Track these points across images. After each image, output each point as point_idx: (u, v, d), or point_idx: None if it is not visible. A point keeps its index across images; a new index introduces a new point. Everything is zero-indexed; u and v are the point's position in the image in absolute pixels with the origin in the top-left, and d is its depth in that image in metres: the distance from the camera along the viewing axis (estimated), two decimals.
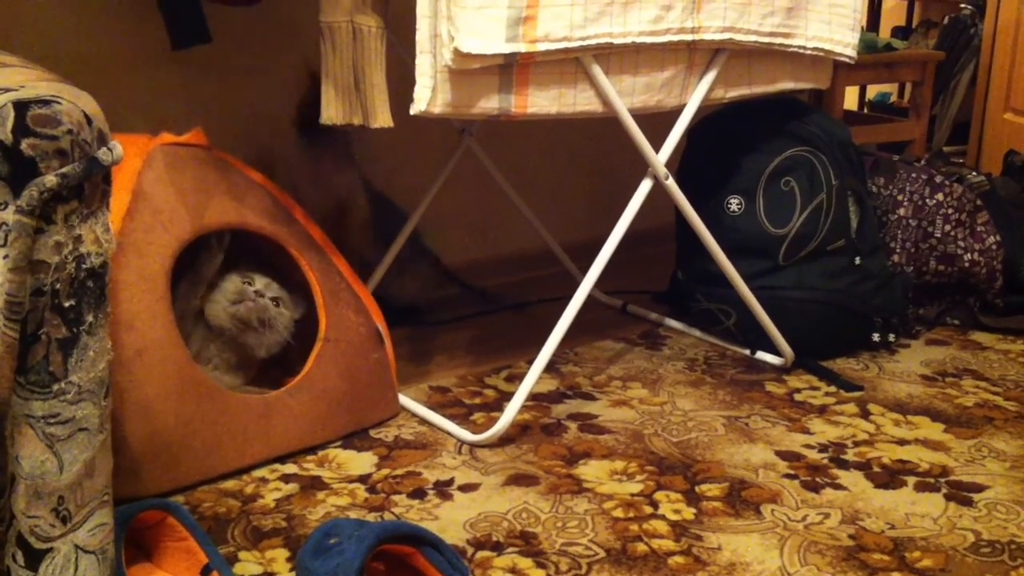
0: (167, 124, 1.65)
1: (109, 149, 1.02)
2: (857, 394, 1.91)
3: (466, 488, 1.53)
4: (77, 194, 1.00)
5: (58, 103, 0.97)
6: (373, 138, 2.09)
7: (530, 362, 1.71)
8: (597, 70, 1.66)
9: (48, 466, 1.01)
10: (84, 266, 1.02)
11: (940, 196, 2.22)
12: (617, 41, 1.64)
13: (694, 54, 1.79)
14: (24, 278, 0.96)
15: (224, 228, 1.61)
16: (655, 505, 1.49)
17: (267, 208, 1.67)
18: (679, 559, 1.36)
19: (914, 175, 2.26)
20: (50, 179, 0.95)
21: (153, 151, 1.57)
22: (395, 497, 1.50)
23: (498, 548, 1.38)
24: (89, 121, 1.00)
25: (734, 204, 2.04)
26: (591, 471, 1.59)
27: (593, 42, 1.62)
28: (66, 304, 1.00)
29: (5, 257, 0.94)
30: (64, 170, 0.97)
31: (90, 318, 1.03)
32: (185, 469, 1.49)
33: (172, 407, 1.47)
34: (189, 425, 1.49)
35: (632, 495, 1.52)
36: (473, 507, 1.47)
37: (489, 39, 1.52)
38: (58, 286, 0.99)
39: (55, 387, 1.01)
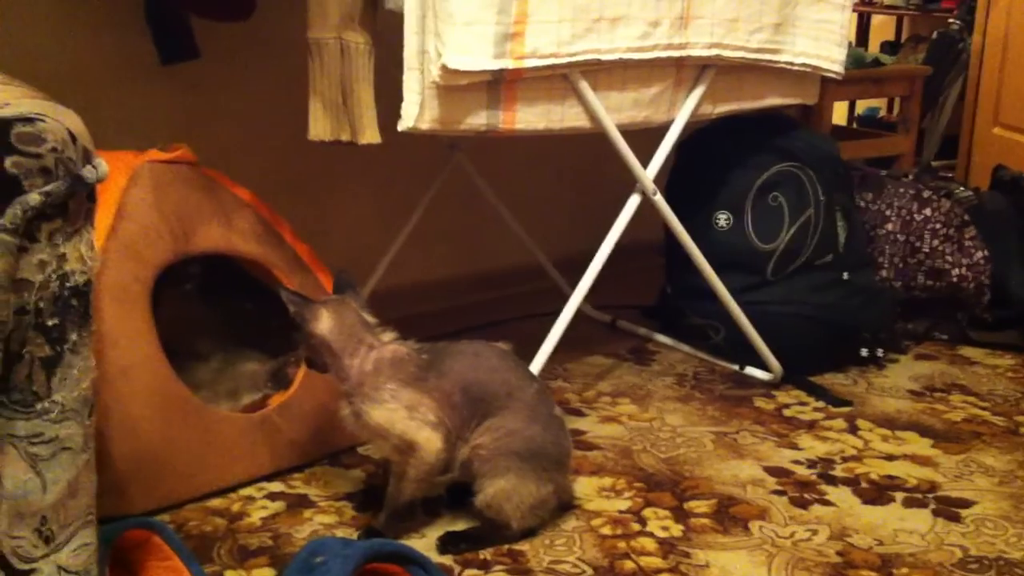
0: (155, 140, 1.65)
1: (94, 167, 1.02)
2: (845, 409, 1.91)
3: (454, 505, 1.52)
4: (61, 212, 0.99)
5: (42, 121, 0.96)
6: None
7: None
8: (584, 86, 1.66)
9: (31, 486, 1.00)
10: (68, 284, 1.01)
11: (928, 211, 2.23)
12: (604, 57, 1.65)
13: (681, 70, 1.79)
14: (7, 297, 0.95)
15: (210, 253, 1.61)
16: (643, 522, 1.49)
17: (254, 230, 1.66)
18: None
19: (902, 190, 2.27)
20: (34, 197, 0.95)
21: (139, 169, 1.56)
22: (383, 515, 1.49)
23: (486, 566, 1.37)
24: (74, 139, 0.99)
25: (722, 219, 2.04)
26: (579, 488, 1.58)
27: (580, 58, 1.62)
28: (50, 323, 1.00)
29: None
30: (48, 188, 0.96)
31: (74, 336, 1.03)
32: (170, 487, 1.48)
33: (157, 425, 1.46)
34: (174, 443, 1.48)
35: (620, 512, 1.52)
36: (461, 525, 1.47)
37: (476, 55, 1.52)
38: (42, 305, 0.99)
39: (38, 406, 1.00)
